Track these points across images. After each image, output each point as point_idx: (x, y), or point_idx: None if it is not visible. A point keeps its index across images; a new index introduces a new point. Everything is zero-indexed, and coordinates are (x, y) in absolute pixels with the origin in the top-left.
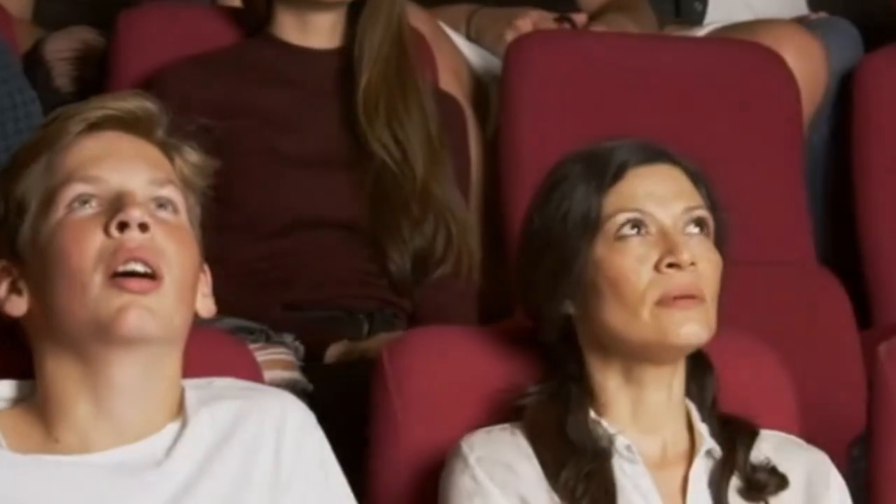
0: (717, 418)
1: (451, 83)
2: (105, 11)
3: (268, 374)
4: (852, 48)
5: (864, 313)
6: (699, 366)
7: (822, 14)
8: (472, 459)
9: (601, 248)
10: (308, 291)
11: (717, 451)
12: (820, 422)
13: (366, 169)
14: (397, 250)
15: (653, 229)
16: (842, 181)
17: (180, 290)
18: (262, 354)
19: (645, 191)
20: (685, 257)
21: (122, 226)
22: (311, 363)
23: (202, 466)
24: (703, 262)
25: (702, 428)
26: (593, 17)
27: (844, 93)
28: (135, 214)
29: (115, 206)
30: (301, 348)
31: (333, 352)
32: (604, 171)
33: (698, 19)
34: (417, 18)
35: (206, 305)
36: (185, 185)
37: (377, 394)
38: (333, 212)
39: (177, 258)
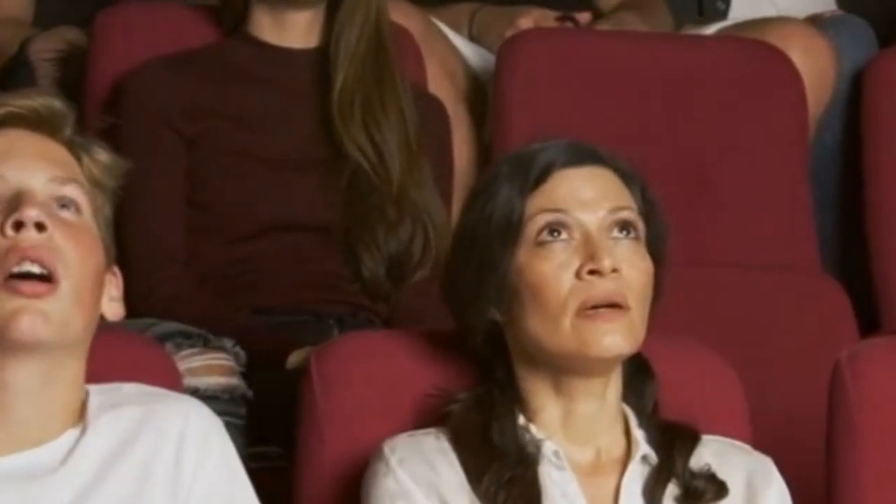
0: (657, 424)
1: (444, 84)
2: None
3: (205, 380)
4: (866, 47)
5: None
6: (639, 372)
7: (839, 12)
8: (393, 461)
9: (523, 254)
10: (278, 296)
11: (653, 458)
12: (820, 425)
13: (340, 171)
14: (370, 254)
15: (576, 234)
16: (854, 182)
17: (79, 293)
18: (199, 360)
19: (569, 193)
20: (606, 264)
21: (18, 225)
22: (259, 369)
23: (99, 473)
24: (628, 269)
25: (638, 434)
26: (606, 15)
27: (856, 92)
28: (30, 213)
29: (13, 205)
30: (242, 354)
31: (294, 358)
32: (528, 172)
33: (721, 18)
34: (409, 17)
35: (112, 309)
36: (94, 184)
37: (303, 399)
38: (306, 214)
39: (76, 260)
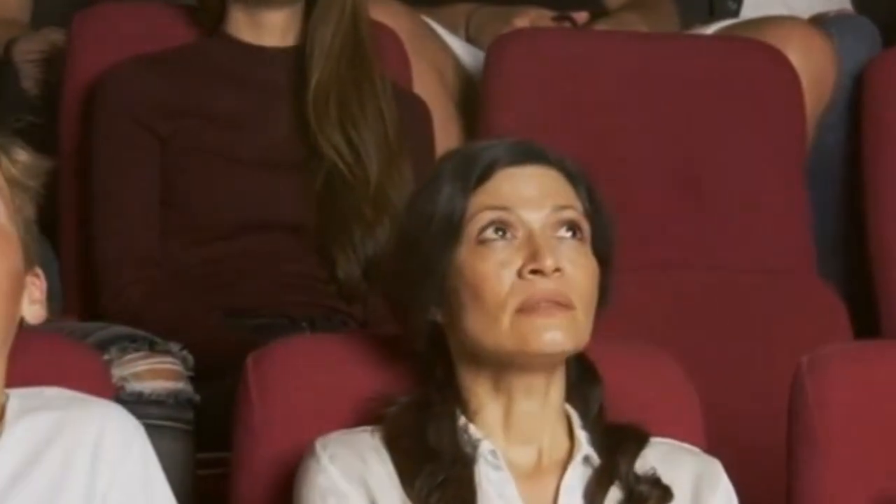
0: (603, 427)
1: (434, 83)
2: None
3: (149, 384)
4: (869, 47)
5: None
6: (584, 374)
7: (845, 11)
8: (325, 458)
9: (464, 252)
10: (251, 297)
11: (596, 459)
12: None
13: (316, 171)
14: (345, 256)
15: (519, 233)
16: (856, 184)
17: None
18: (144, 364)
19: (512, 192)
20: (548, 263)
21: None
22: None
23: (14, 479)
24: (571, 269)
25: (581, 435)
26: (609, 15)
27: (857, 92)
28: None
29: None
30: (189, 358)
31: None
32: (471, 171)
33: (733, 18)
34: (396, 16)
35: (33, 312)
36: (13, 185)
37: (240, 403)
38: (281, 215)
39: None
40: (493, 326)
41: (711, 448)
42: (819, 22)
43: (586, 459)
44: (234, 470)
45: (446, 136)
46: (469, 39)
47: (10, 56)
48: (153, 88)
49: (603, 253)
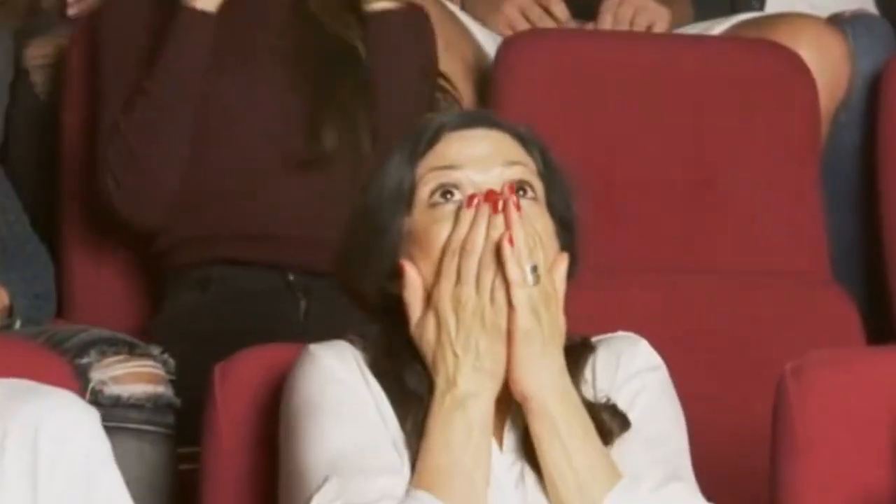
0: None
1: (457, 66)
2: None
3: (128, 388)
4: (886, 46)
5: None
6: None
7: (861, 10)
8: (326, 357)
9: (415, 217)
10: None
11: None
12: None
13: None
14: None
15: (469, 192)
16: (872, 184)
17: None
18: (124, 367)
19: (460, 151)
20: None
21: None
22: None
23: None
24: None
25: None
26: None
27: (873, 92)
28: None
29: None
30: (171, 361)
31: None
32: (419, 138)
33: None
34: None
35: None
36: None
37: (207, 413)
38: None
39: None
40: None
41: (720, 451)
42: (833, 21)
43: None
44: (201, 480)
45: None
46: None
47: (21, 61)
48: (156, 4)
49: (563, 216)
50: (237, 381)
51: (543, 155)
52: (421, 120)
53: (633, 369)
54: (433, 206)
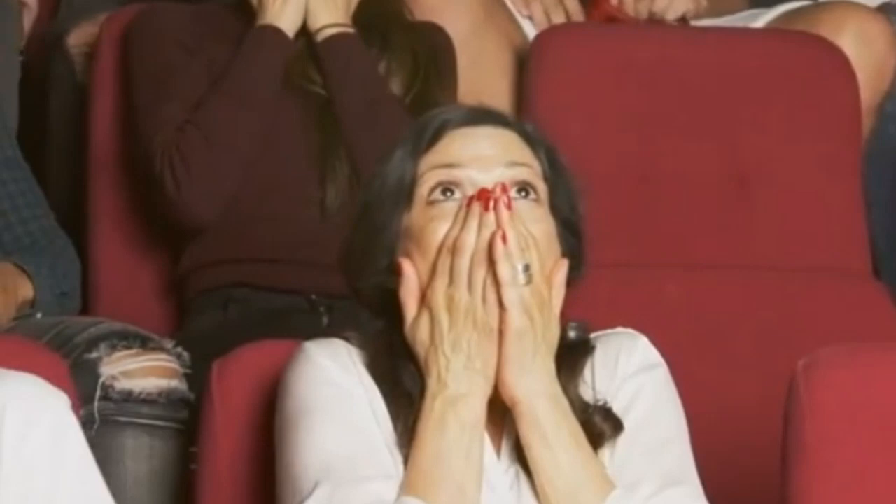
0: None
1: (507, 52)
2: None
3: (139, 383)
4: None
5: None
6: None
7: None
8: (321, 357)
9: (414, 214)
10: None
11: None
12: None
13: None
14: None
15: (469, 192)
16: None
17: None
18: (135, 362)
19: (462, 150)
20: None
21: None
22: None
23: None
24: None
25: None
26: None
27: None
28: None
29: None
30: (185, 355)
31: None
32: (422, 134)
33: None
34: None
35: None
36: None
37: (203, 409)
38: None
39: None
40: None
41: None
42: (883, 10)
43: None
44: (197, 475)
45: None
46: None
47: (64, 49)
48: (192, 21)
49: (567, 218)
50: (235, 377)
51: (550, 155)
52: (425, 115)
53: (630, 368)
54: (432, 203)
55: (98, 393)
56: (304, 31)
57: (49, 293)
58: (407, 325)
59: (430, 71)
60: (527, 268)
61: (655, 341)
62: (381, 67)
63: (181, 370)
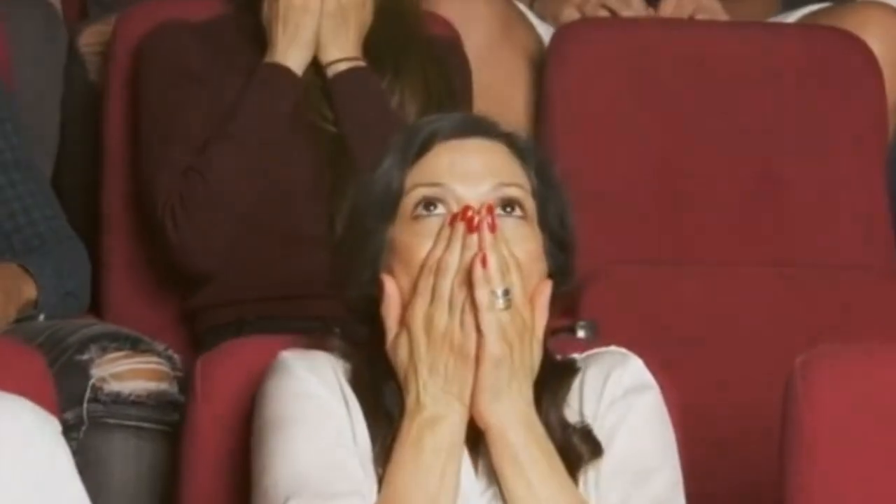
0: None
1: (524, 68)
2: None
3: (129, 385)
4: None
5: None
6: None
7: None
8: (300, 367)
9: (398, 228)
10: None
11: None
12: None
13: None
14: None
15: (454, 209)
16: None
17: None
18: (126, 364)
19: (449, 166)
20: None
21: None
22: None
23: None
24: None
25: None
26: None
27: None
28: None
29: None
30: (176, 357)
31: None
32: (411, 144)
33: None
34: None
35: None
36: None
37: (188, 404)
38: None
39: None
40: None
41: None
42: None
43: None
44: (181, 471)
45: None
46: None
47: (76, 49)
48: (202, 44)
49: (556, 233)
50: (220, 373)
51: (541, 168)
52: (418, 122)
53: (619, 390)
54: (416, 218)
55: (87, 394)
56: (316, 63)
57: (53, 294)
58: (388, 342)
59: (442, 96)
60: (507, 292)
61: (678, 339)
62: (394, 96)
63: (172, 373)
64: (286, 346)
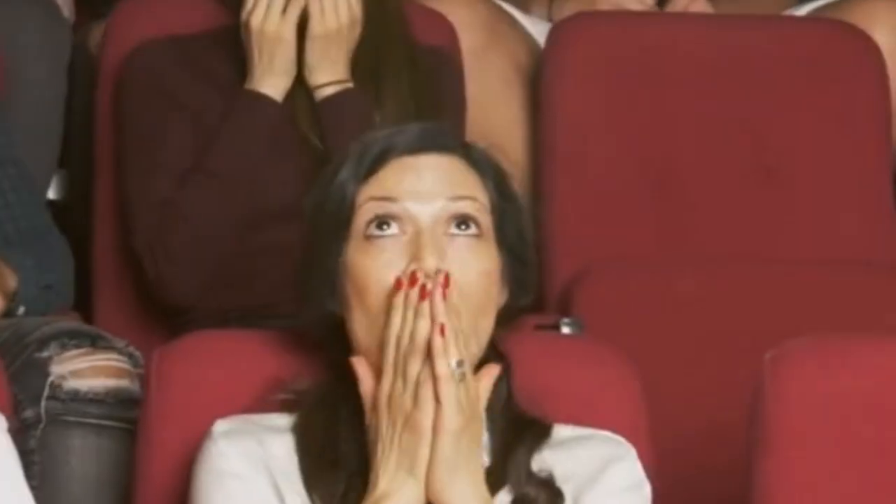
0: (511, 419)
1: (511, 79)
2: None
3: (88, 382)
4: None
5: None
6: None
7: None
8: (222, 441)
9: (352, 247)
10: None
11: (485, 461)
12: None
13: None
14: None
15: (408, 227)
16: None
17: None
18: (85, 361)
19: (402, 182)
20: (429, 263)
21: None
22: None
23: None
24: (460, 270)
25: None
26: None
27: None
28: None
29: None
30: (137, 354)
31: None
32: (364, 157)
33: None
34: (472, 4)
35: None
36: None
37: (144, 397)
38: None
39: None
40: (376, 330)
41: None
42: None
43: None
44: (135, 463)
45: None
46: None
47: (87, 48)
48: (184, 64)
49: (515, 247)
50: (176, 366)
51: (499, 181)
52: (373, 134)
53: (622, 482)
54: (368, 238)
55: (46, 392)
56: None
57: (32, 286)
58: (366, 422)
59: (426, 106)
60: (460, 363)
61: (673, 336)
62: (375, 105)
63: (133, 370)
64: (243, 341)
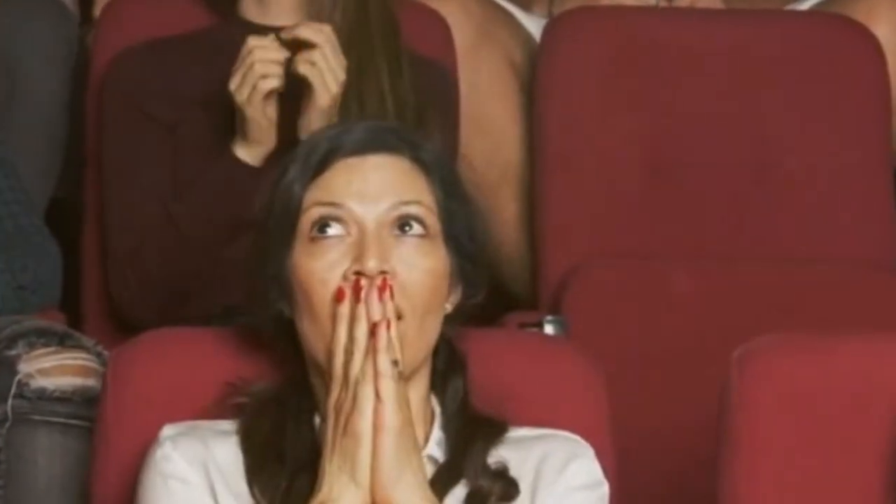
0: (466, 419)
1: (506, 77)
2: None
3: (55, 381)
4: None
5: None
6: (450, 362)
7: None
8: (168, 444)
9: (297, 249)
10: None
11: (439, 458)
12: None
13: None
14: None
15: (353, 229)
16: None
17: None
18: (53, 360)
19: (347, 185)
20: (371, 265)
21: None
22: None
23: None
24: (406, 271)
25: (435, 435)
26: None
27: None
28: None
29: None
30: (105, 353)
31: None
32: (310, 158)
33: None
34: (465, 3)
35: None
36: None
37: (100, 396)
38: None
39: None
40: (321, 334)
41: None
42: None
43: (430, 458)
44: (91, 462)
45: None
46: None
47: (90, 52)
48: (158, 76)
49: (465, 247)
50: (134, 365)
51: (447, 181)
52: (321, 134)
53: (579, 480)
54: (312, 240)
55: (13, 390)
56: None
57: (4, 287)
58: None
59: (405, 109)
60: (396, 363)
61: (668, 334)
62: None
63: (101, 369)
64: (200, 340)
